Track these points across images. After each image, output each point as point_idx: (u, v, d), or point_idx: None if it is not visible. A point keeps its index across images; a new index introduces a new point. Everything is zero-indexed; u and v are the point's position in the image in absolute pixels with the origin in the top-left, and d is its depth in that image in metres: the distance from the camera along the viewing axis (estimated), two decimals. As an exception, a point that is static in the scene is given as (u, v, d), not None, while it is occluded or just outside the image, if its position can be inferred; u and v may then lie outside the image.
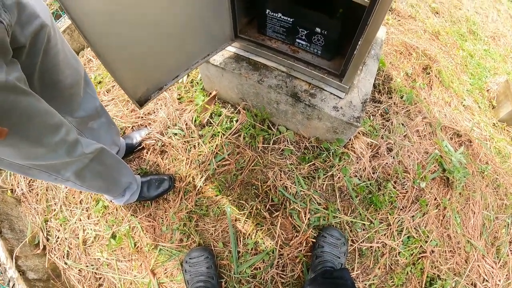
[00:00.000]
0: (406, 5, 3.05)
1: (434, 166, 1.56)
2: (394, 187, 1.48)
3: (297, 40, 1.38)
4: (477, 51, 2.94)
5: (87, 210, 1.47)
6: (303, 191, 1.44)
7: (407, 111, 1.73)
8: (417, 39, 2.48)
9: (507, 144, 2.01)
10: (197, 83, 1.78)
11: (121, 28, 0.84)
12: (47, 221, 1.47)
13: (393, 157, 1.54)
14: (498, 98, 2.35)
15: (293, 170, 1.50)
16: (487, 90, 2.41)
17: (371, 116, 1.66)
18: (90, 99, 1.11)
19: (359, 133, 1.55)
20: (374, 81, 1.86)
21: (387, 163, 1.52)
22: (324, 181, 1.47)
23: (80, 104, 1.06)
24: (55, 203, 1.49)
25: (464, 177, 1.56)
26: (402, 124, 1.67)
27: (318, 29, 1.27)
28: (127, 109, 1.72)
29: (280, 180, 1.47)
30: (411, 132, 1.65)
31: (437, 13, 3.23)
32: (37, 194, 1.52)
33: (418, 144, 1.60)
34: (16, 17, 0.72)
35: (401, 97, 1.79)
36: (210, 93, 1.69)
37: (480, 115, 2.11)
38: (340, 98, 1.36)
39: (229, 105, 1.70)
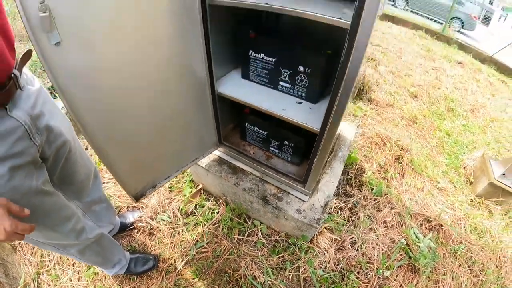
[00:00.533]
0: (385, 93, 3.44)
1: (400, 255, 1.76)
2: (357, 277, 1.65)
3: (271, 148, 1.74)
4: (455, 128, 3.22)
5: (78, 273, 1.62)
6: (271, 281, 1.63)
7: (376, 202, 1.98)
8: (392, 128, 2.81)
9: (484, 219, 2.17)
10: (187, 174, 2.09)
11: (125, 138, 1.14)
12: (40, 274, 1.60)
13: (357, 250, 1.75)
14: (475, 174, 2.55)
15: (263, 261, 1.70)
16: (464, 167, 2.63)
17: (339, 211, 1.91)
18: (96, 190, 1.37)
19: (324, 228, 1.78)
20: (347, 175, 2.15)
21: (351, 255, 1.72)
22: (291, 272, 1.66)
23: (88, 193, 1.30)
24: (49, 260, 1.65)
25: (433, 261, 1.75)
26: (369, 217, 1.91)
27: (286, 142, 1.64)
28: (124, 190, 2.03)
29: (251, 270, 1.66)
30: (378, 224, 1.88)
31: (416, 97, 3.61)
32: (33, 247, 1.69)
33: (383, 236, 1.82)
34: (46, 137, 0.95)
35: (371, 189, 2.06)
36: (197, 185, 2.01)
37: (455, 195, 2.31)
38: (303, 201, 1.65)
39: (212, 197, 1.98)
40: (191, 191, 1.97)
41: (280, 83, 1.50)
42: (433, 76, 4.34)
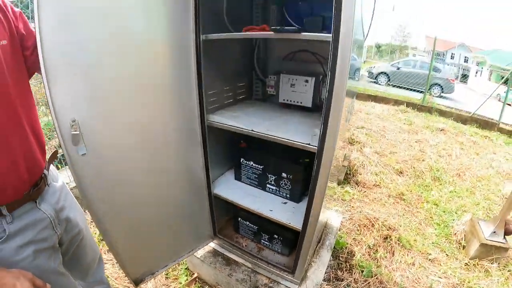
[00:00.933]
0: (371, 174, 3.77)
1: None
2: None
3: (262, 240, 1.93)
4: (442, 197, 3.46)
5: None
6: None
7: (367, 284, 2.16)
8: (380, 208, 3.08)
9: (481, 279, 2.28)
10: (183, 263, 2.14)
11: (131, 224, 1.31)
12: None
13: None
14: (466, 237, 2.69)
15: None
16: (455, 234, 2.79)
17: (331, 297, 2.10)
18: (99, 272, 1.44)
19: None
20: (337, 259, 2.35)
21: None
22: None
23: (92, 274, 1.37)
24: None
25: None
26: (359, 301, 2.09)
27: (276, 236, 1.86)
28: (122, 273, 2.01)
29: None
30: (369, 306, 2.06)
31: (401, 173, 3.92)
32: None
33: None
34: (64, 227, 1.09)
35: (362, 272, 2.24)
36: (193, 274, 2.07)
37: (448, 263, 2.46)
38: (293, 290, 1.81)
39: (207, 286, 2.02)
40: (187, 279, 2.06)
41: (268, 185, 1.80)
42: (417, 149, 4.72)
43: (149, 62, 1.23)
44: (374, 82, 13.44)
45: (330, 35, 1.04)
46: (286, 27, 1.27)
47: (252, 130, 1.47)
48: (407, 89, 11.40)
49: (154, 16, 1.21)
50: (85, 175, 1.06)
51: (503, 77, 9.30)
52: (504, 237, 2.51)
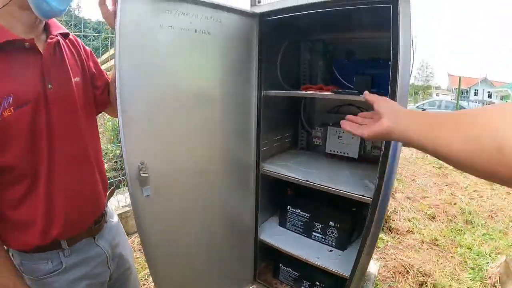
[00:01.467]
0: (404, 220, 3.93)
1: None
2: None
3: (302, 286, 1.89)
4: (475, 240, 3.56)
5: None
6: None
7: None
8: (414, 254, 3.22)
9: None
10: None
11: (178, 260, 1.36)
12: None
13: None
14: (501, 279, 2.75)
15: None
16: (489, 277, 2.86)
17: None
18: None
19: None
20: None
21: None
22: None
23: None
24: None
25: None
26: None
27: (317, 283, 1.83)
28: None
29: None
30: None
31: (434, 218, 4.05)
32: None
33: None
34: (116, 263, 1.12)
35: None
36: None
37: None
38: None
39: None
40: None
41: (313, 233, 1.82)
42: (447, 192, 4.84)
43: (215, 113, 1.38)
44: (399, 124, 13.50)
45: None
46: (347, 90, 1.46)
47: (308, 181, 1.56)
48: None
49: (227, 77, 1.41)
50: (146, 216, 1.13)
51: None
52: None
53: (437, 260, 3.15)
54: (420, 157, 6.91)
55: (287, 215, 1.92)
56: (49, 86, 0.85)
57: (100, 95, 1.09)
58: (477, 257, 3.23)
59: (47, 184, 0.86)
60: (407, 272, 2.89)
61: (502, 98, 26.16)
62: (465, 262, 3.16)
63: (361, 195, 1.39)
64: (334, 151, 1.95)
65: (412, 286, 2.73)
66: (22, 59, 0.81)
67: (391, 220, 3.88)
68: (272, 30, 1.56)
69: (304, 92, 1.63)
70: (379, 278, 2.83)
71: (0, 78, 0.75)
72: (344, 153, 1.91)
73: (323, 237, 1.81)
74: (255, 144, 1.64)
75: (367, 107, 1.90)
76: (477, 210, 4.30)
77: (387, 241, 3.46)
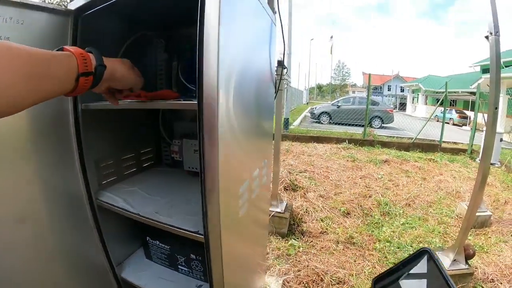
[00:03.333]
0: (317, 221, 3.66)
1: None
2: None
3: None
4: (395, 231, 3.43)
5: None
6: None
7: None
8: (329, 258, 2.92)
9: None
10: None
11: None
12: None
13: None
14: None
15: None
16: None
17: None
18: None
19: None
20: None
21: None
22: None
23: None
24: None
25: None
26: None
27: None
28: None
29: None
30: None
31: (348, 214, 3.87)
32: None
33: None
34: None
35: None
36: None
37: None
38: None
39: None
40: None
41: (179, 266, 1.60)
42: (362, 185, 4.77)
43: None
44: (317, 122, 14.08)
45: (193, 102, 0.93)
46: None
47: (138, 214, 1.28)
48: (349, 125, 12.04)
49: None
50: None
51: (438, 100, 10.11)
52: (466, 262, 2.51)
53: (354, 261, 2.90)
54: (334, 152, 6.93)
55: (150, 247, 1.67)
56: None
57: None
58: (398, 250, 3.08)
59: None
60: (321, 280, 2.57)
61: (413, 91, 29.31)
62: (385, 257, 2.97)
63: (193, 232, 1.11)
64: (193, 168, 1.71)
65: (327, 297, 2.38)
66: None
67: (302, 223, 3.60)
68: (102, 27, 1.35)
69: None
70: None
71: None
72: None
73: (190, 271, 1.58)
74: (81, 171, 1.36)
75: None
76: (394, 200, 4.27)
77: (299, 247, 3.13)
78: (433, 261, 0.44)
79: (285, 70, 3.26)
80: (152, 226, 1.39)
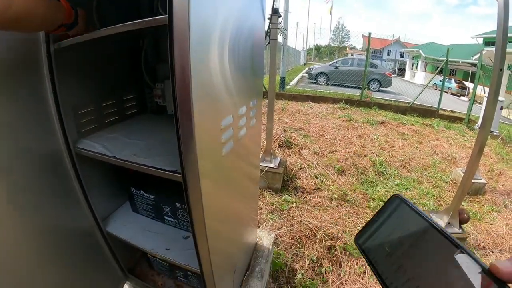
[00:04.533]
0: (311, 178, 3.60)
1: None
2: None
3: (178, 277, 1.69)
4: (389, 191, 3.39)
5: None
6: None
7: None
8: (322, 214, 2.88)
9: None
10: None
11: None
12: None
13: None
14: None
15: None
16: None
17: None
18: None
19: None
20: (277, 282, 2.10)
21: None
22: None
23: None
24: None
25: None
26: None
27: (189, 272, 1.61)
28: None
29: None
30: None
31: (343, 172, 3.81)
32: None
33: None
34: None
35: None
36: None
37: None
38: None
39: None
40: None
41: (165, 217, 1.53)
42: (357, 145, 4.68)
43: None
44: (314, 82, 13.83)
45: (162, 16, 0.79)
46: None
47: (115, 157, 1.19)
48: (346, 86, 11.84)
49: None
50: None
51: (437, 67, 9.92)
52: (460, 226, 2.49)
53: (348, 218, 2.87)
54: (330, 112, 6.81)
55: (135, 198, 1.59)
56: None
57: None
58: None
59: None
60: (314, 235, 2.53)
61: (413, 57, 28.78)
62: (378, 216, 2.90)
63: (171, 171, 1.04)
64: None
65: (320, 251, 2.36)
66: None
67: (296, 179, 3.53)
68: None
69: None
70: (283, 246, 2.42)
71: None
72: None
73: (176, 221, 1.51)
74: (57, 118, 1.23)
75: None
76: (389, 161, 4.20)
77: (292, 202, 3.08)
78: (405, 204, 0.43)
79: (280, 19, 3.06)
80: (133, 170, 1.29)
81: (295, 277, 2.14)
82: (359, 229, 0.49)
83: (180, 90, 0.79)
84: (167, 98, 1.61)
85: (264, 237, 2.24)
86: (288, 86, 10.88)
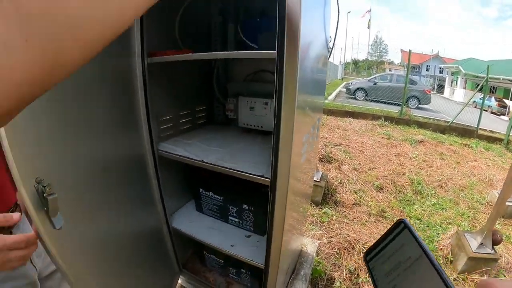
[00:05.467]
0: (350, 193, 3.73)
1: None
2: None
3: (230, 274, 1.83)
4: (425, 211, 3.46)
5: None
6: None
7: None
8: (361, 228, 3.02)
9: None
10: None
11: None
12: None
13: None
14: (452, 252, 2.68)
15: None
16: (440, 249, 2.77)
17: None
18: None
19: None
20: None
21: None
22: None
23: None
24: None
25: None
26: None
27: (243, 270, 1.77)
28: None
29: None
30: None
31: (381, 189, 3.91)
32: None
33: None
34: (43, 260, 1.07)
35: None
36: None
37: None
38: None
39: None
40: None
41: (230, 217, 1.69)
42: (396, 163, 4.75)
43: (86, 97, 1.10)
44: (352, 97, 13.81)
45: (272, 51, 0.98)
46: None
47: (203, 161, 1.38)
48: (385, 103, 11.74)
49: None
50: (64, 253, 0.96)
51: (477, 85, 9.67)
52: (493, 247, 2.51)
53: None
54: (369, 128, 6.87)
55: (202, 198, 1.77)
56: None
57: None
58: (427, 228, 3.12)
59: None
60: (353, 247, 2.68)
61: (452, 73, 27.89)
62: (415, 234, 3.00)
63: (259, 176, 1.21)
64: (247, 125, 1.79)
65: (358, 263, 2.50)
66: None
67: (336, 193, 3.68)
68: None
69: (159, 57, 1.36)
70: (323, 256, 2.59)
71: None
72: (258, 126, 1.76)
73: (240, 221, 1.67)
74: (146, 123, 1.42)
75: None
76: (427, 180, 4.25)
77: (332, 215, 3.23)
78: (408, 229, 0.47)
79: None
80: (205, 173, 1.55)
81: (333, 285, 2.29)
82: (368, 247, 0.55)
83: (285, 110, 0.99)
84: (239, 111, 1.78)
85: (309, 245, 2.42)
86: (326, 101, 10.99)
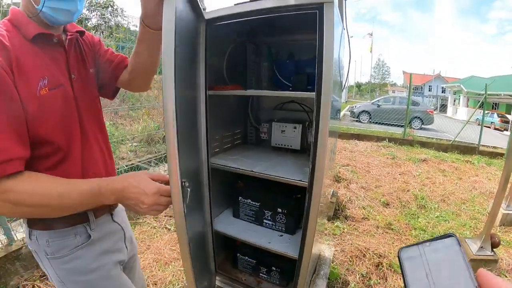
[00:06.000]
0: (359, 208, 4.03)
1: None
2: None
3: (260, 273, 2.01)
4: (429, 222, 3.73)
5: None
6: None
7: None
8: (370, 239, 3.30)
9: None
10: None
11: None
12: None
13: None
14: None
15: None
16: None
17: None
18: None
19: None
20: None
21: None
22: None
23: None
24: None
25: None
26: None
27: (273, 268, 1.95)
28: None
29: None
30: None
31: (388, 205, 4.19)
32: None
33: None
34: (129, 245, 1.25)
35: None
36: None
37: None
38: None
39: None
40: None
41: (264, 221, 1.94)
42: (401, 181, 5.05)
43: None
44: (357, 120, 14.13)
45: (312, 93, 1.29)
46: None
47: (252, 171, 1.70)
48: (389, 124, 12.03)
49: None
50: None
51: (479, 102, 9.95)
52: (492, 250, 2.76)
53: (392, 243, 3.25)
54: (374, 150, 7.18)
55: (239, 205, 2.03)
56: (73, 76, 1.02)
57: (121, 74, 1.26)
58: (431, 237, 3.33)
59: (81, 162, 1.01)
60: (364, 255, 2.96)
61: (455, 93, 28.06)
62: (419, 243, 3.26)
63: (299, 180, 1.53)
64: (278, 144, 2.14)
65: (369, 268, 2.78)
66: (50, 52, 0.96)
67: (346, 209, 3.98)
68: (217, 34, 1.67)
69: (217, 91, 1.71)
70: (337, 262, 2.88)
71: (37, 64, 0.89)
72: (287, 145, 2.10)
73: (273, 224, 1.92)
74: (205, 140, 1.69)
75: (307, 103, 2.20)
76: (430, 195, 4.52)
77: (343, 228, 3.53)
78: (457, 245, 0.43)
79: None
80: (242, 184, 1.90)
81: (348, 287, 2.58)
82: (406, 245, 0.53)
83: (321, 134, 1.27)
84: (272, 134, 2.12)
85: (326, 250, 2.73)
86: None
